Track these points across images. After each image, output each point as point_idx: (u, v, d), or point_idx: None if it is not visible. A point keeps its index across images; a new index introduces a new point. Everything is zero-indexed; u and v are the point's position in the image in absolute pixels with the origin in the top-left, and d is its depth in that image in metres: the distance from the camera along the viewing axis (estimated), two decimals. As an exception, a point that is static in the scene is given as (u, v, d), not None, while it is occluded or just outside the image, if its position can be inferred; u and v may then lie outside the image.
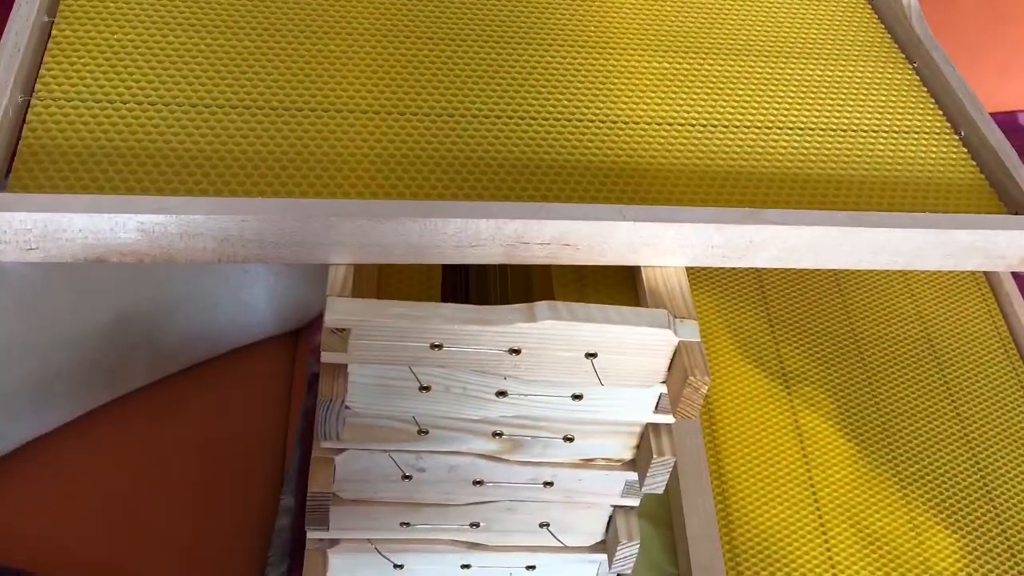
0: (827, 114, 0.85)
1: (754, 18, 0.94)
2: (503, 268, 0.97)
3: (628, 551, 0.81)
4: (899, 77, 0.91)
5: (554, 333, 0.66)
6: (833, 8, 0.97)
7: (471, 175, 0.73)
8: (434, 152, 0.74)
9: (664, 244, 0.70)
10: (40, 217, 0.62)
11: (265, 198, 0.67)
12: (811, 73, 0.89)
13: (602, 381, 0.70)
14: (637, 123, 0.80)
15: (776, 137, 0.82)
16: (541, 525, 0.82)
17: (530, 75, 0.82)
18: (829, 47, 0.92)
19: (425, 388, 0.69)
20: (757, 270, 1.13)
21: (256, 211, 0.64)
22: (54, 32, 0.75)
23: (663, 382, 0.70)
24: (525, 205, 0.69)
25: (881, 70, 0.91)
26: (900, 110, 0.87)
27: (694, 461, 0.93)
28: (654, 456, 0.73)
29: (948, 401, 1.04)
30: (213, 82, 0.75)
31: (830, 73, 0.89)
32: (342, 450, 0.73)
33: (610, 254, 0.70)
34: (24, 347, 0.96)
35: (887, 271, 1.16)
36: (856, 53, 0.92)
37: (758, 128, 0.82)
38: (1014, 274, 1.18)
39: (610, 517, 0.82)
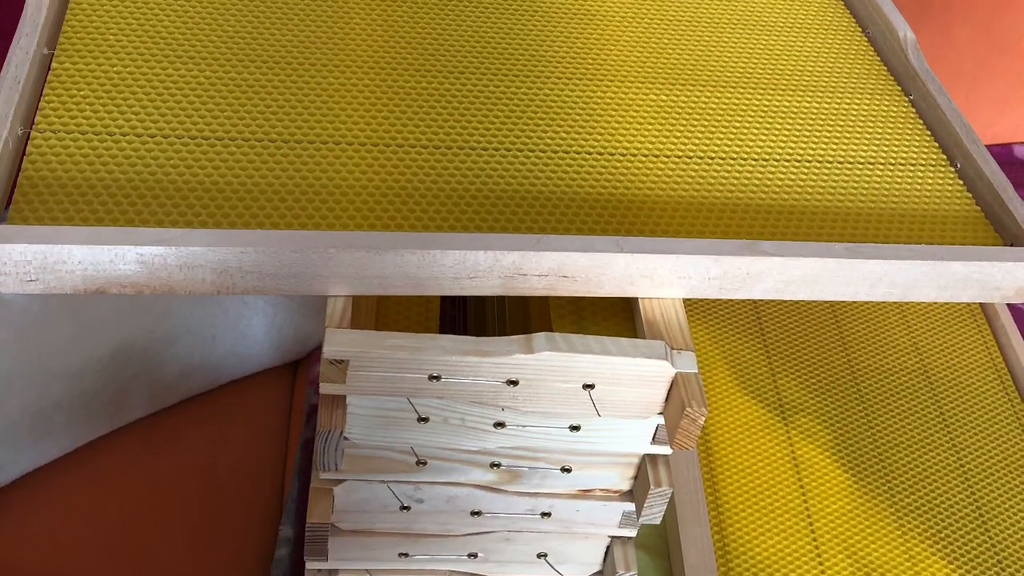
0: (823, 146, 0.85)
1: (751, 51, 0.94)
2: (501, 299, 0.98)
3: (626, 582, 0.81)
4: (895, 109, 0.91)
5: (552, 364, 0.66)
6: (830, 41, 0.98)
7: (469, 207, 0.73)
8: (432, 184, 0.74)
9: (661, 276, 0.71)
10: (40, 249, 0.62)
11: (264, 230, 0.67)
12: (807, 105, 0.89)
13: (600, 412, 0.70)
14: (634, 155, 0.80)
15: (773, 169, 0.82)
16: (539, 555, 0.82)
17: (528, 107, 0.83)
18: (825, 79, 0.93)
19: (423, 419, 0.69)
20: (754, 301, 1.14)
21: (255, 243, 0.64)
22: (54, 65, 0.76)
23: (660, 413, 0.71)
24: (523, 237, 0.69)
25: (877, 102, 0.92)
26: (896, 142, 0.88)
27: (691, 492, 0.93)
28: (651, 487, 0.73)
29: (944, 432, 1.04)
30: (212, 114, 0.75)
31: (826, 105, 0.90)
32: (341, 481, 0.73)
33: (608, 285, 0.71)
34: (24, 378, 0.97)
35: (883, 303, 1.16)
36: (852, 85, 0.93)
37: (755, 160, 0.82)
38: (1010, 306, 1.19)
39: (608, 547, 0.82)
